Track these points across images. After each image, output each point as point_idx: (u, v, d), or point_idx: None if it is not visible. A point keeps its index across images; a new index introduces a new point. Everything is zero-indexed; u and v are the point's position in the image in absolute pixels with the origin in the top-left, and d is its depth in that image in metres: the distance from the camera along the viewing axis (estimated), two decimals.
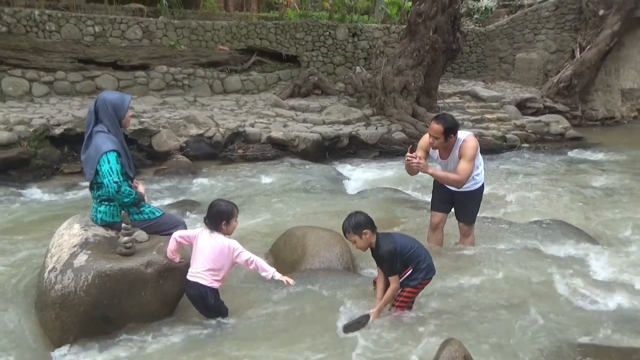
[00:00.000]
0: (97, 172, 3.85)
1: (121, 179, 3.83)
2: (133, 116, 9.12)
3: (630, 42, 15.74)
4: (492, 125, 12.25)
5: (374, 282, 4.10)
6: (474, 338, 3.60)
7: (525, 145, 11.71)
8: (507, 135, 11.72)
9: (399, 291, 3.90)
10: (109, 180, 3.79)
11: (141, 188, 4.19)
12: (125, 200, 3.89)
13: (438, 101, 12.95)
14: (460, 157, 4.69)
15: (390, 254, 3.78)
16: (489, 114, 12.87)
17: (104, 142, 3.85)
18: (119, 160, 3.87)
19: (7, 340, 3.68)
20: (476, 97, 13.92)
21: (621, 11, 14.54)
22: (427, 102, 12.31)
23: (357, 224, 3.77)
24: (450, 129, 4.58)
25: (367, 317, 3.82)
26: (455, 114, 12.40)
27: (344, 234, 3.90)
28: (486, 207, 6.30)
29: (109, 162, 3.80)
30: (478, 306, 4.13)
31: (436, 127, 4.55)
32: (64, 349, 3.53)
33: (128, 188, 3.91)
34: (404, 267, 3.87)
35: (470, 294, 4.34)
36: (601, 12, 14.93)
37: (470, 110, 13.02)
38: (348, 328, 3.75)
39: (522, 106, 13.76)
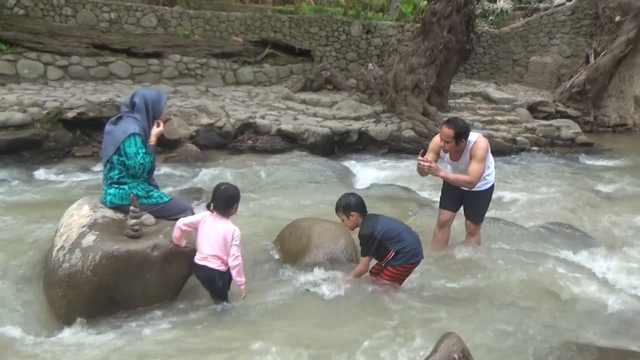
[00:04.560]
0: (117, 150, 3.96)
1: (146, 160, 4.00)
2: None
3: None
4: (503, 127, 12.20)
5: None
6: (473, 333, 3.61)
7: (535, 148, 11.67)
8: (518, 138, 11.67)
9: (383, 269, 4.08)
10: (135, 162, 3.96)
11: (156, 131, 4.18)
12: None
13: (449, 101, 12.94)
14: (471, 158, 4.72)
15: (366, 237, 3.97)
16: (500, 116, 12.83)
17: (131, 124, 4.01)
18: (144, 144, 4.02)
19: (18, 314, 3.75)
20: (488, 98, 13.87)
21: (638, 18, 14.40)
22: (438, 101, 12.31)
23: (347, 204, 4.02)
24: (461, 133, 4.62)
25: None
26: (466, 114, 12.41)
27: (336, 211, 4.12)
28: (493, 208, 6.30)
29: (136, 145, 3.94)
30: (479, 303, 4.15)
31: (447, 131, 4.60)
32: (70, 327, 3.59)
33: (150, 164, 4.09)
34: (387, 250, 3.99)
35: (471, 291, 4.37)
36: (617, 18, 14.83)
37: (481, 112, 12.99)
38: None
39: (533, 109, 13.72)
